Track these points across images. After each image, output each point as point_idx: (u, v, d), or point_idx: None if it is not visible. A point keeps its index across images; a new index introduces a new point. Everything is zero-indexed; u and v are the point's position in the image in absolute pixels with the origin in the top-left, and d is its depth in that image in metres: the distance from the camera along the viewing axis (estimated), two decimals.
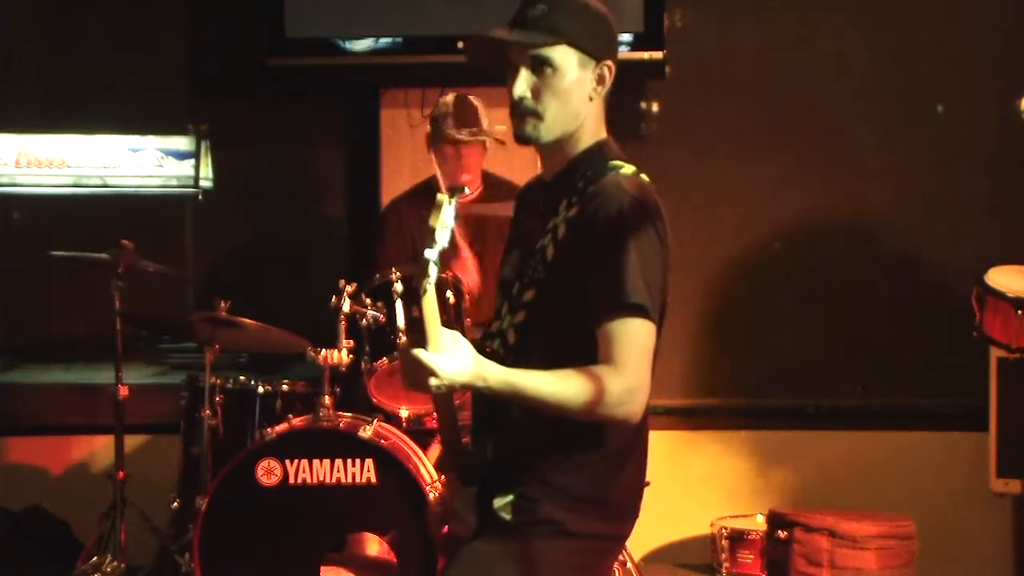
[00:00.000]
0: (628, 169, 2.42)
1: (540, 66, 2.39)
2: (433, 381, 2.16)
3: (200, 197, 5.18)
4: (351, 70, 5.00)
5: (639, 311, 2.26)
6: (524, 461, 2.37)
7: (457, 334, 2.19)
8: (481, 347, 2.32)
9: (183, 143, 5.22)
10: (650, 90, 5.11)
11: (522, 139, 2.45)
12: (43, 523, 4.85)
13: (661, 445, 4.95)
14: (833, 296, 5.13)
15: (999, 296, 4.04)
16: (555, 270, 2.35)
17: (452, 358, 2.16)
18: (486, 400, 2.34)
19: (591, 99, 2.44)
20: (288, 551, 3.81)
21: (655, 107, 5.16)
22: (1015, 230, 4.91)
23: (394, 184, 4.96)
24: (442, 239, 2.15)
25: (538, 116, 2.40)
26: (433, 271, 2.14)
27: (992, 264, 4.19)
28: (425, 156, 4.51)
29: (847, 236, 5.13)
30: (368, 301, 4.04)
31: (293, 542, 3.81)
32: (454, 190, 2.22)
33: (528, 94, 2.40)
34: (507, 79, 2.44)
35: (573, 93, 2.41)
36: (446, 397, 2.36)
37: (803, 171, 5.12)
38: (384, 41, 4.94)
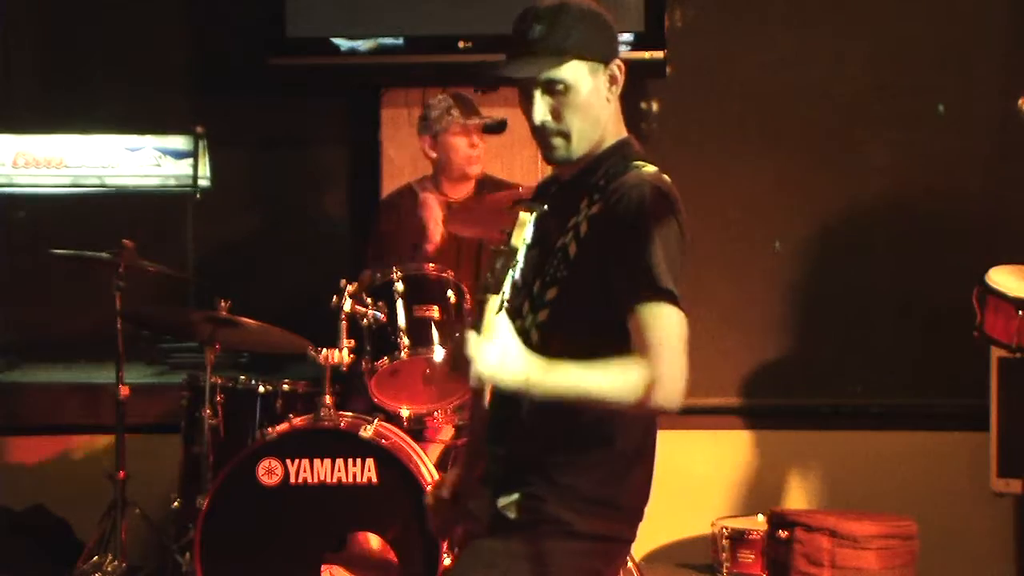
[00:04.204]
0: (650, 168, 2.41)
1: (552, 86, 2.36)
2: (476, 369, 2.12)
3: (199, 196, 5.18)
4: (352, 70, 4.99)
5: (668, 297, 2.26)
6: (532, 461, 2.36)
7: (513, 334, 2.17)
8: None
9: (181, 142, 5.22)
10: (650, 90, 5.11)
11: (554, 162, 2.44)
12: (44, 523, 4.85)
13: (661, 445, 4.92)
14: (833, 296, 5.14)
15: (1000, 296, 4.04)
16: (578, 268, 2.33)
17: (501, 351, 2.13)
18: (499, 399, 2.32)
19: (608, 101, 2.42)
20: (289, 551, 3.81)
21: (655, 107, 5.16)
22: (1015, 230, 4.91)
23: (395, 184, 4.96)
24: (516, 264, 2.15)
25: (564, 136, 2.39)
26: (507, 290, 2.13)
27: (992, 264, 4.20)
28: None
29: (847, 236, 5.13)
30: (369, 301, 4.04)
31: (294, 542, 3.82)
32: (533, 207, 2.21)
33: (549, 117, 2.38)
34: (521, 102, 2.42)
35: (592, 103, 2.39)
36: (483, 392, 2.36)
37: (803, 171, 5.12)
38: (385, 41, 4.93)
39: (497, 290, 2.13)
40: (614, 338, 2.27)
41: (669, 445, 4.91)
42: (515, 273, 2.15)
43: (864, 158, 5.12)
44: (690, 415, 5.02)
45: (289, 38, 4.94)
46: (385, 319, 4.01)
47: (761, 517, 4.65)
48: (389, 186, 5.04)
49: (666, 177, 2.41)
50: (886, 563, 4.29)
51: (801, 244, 5.13)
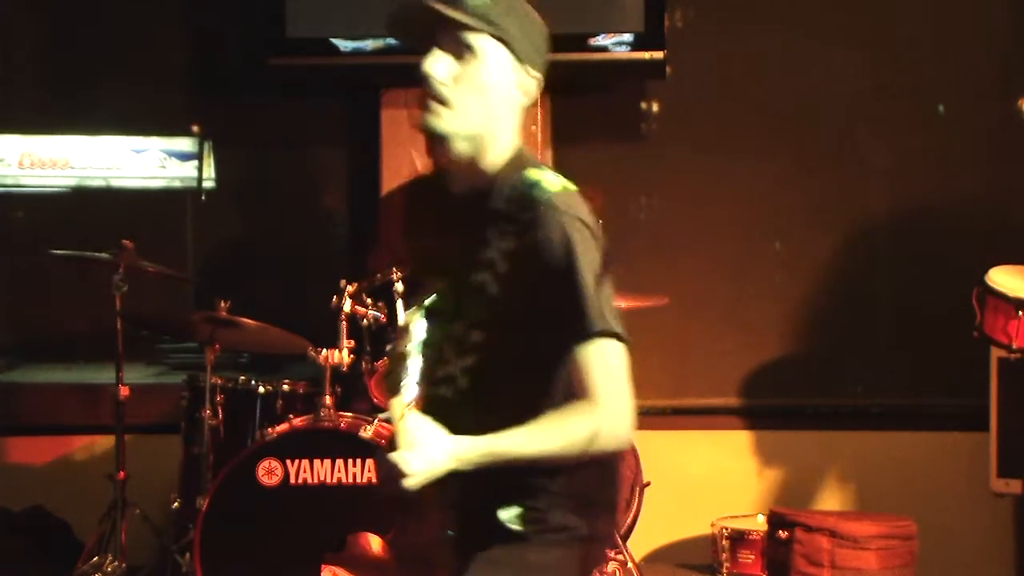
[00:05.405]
0: (551, 183, 2.22)
1: (463, 53, 2.21)
2: (408, 482, 2.06)
3: (203, 198, 5.19)
4: (351, 70, 4.99)
5: (606, 335, 2.15)
6: (517, 474, 2.23)
7: (428, 426, 2.10)
8: (431, 394, 2.21)
9: (186, 144, 5.23)
10: (650, 90, 5.11)
11: (424, 128, 2.22)
12: (43, 523, 4.86)
13: (661, 445, 4.98)
14: (833, 296, 5.14)
15: (1000, 296, 4.04)
16: (501, 309, 2.18)
17: (424, 454, 2.07)
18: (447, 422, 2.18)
19: (511, 105, 2.27)
20: (289, 551, 3.82)
21: (655, 107, 5.15)
22: (1015, 230, 4.91)
23: (394, 184, 4.96)
24: (413, 366, 2.06)
25: (446, 104, 2.20)
26: (410, 396, 2.07)
27: (992, 264, 4.20)
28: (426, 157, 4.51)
29: (847, 236, 5.13)
30: (369, 301, 4.05)
31: (294, 542, 3.82)
32: (421, 304, 2.10)
33: (440, 75, 2.20)
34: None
35: (492, 92, 2.23)
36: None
37: (803, 171, 5.12)
38: (384, 41, 4.93)
39: (397, 393, 2.07)
40: (545, 378, 2.19)
41: (669, 445, 4.97)
42: (410, 386, 2.08)
43: (864, 158, 5.13)
44: (690, 415, 5.10)
45: (289, 38, 4.94)
46: (385, 319, 4.02)
47: (761, 517, 4.65)
48: (389, 186, 5.04)
49: (572, 188, 2.25)
50: (886, 563, 4.29)
51: (801, 244, 5.13)
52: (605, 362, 2.13)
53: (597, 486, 2.33)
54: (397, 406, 2.07)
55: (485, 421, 2.14)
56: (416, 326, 2.08)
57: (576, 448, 2.13)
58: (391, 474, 2.07)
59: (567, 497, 2.28)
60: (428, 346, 2.10)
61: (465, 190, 2.29)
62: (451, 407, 2.18)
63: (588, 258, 2.16)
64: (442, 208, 2.37)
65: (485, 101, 2.23)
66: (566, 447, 2.12)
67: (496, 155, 2.26)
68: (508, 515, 2.26)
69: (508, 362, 2.21)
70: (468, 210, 2.28)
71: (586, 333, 2.13)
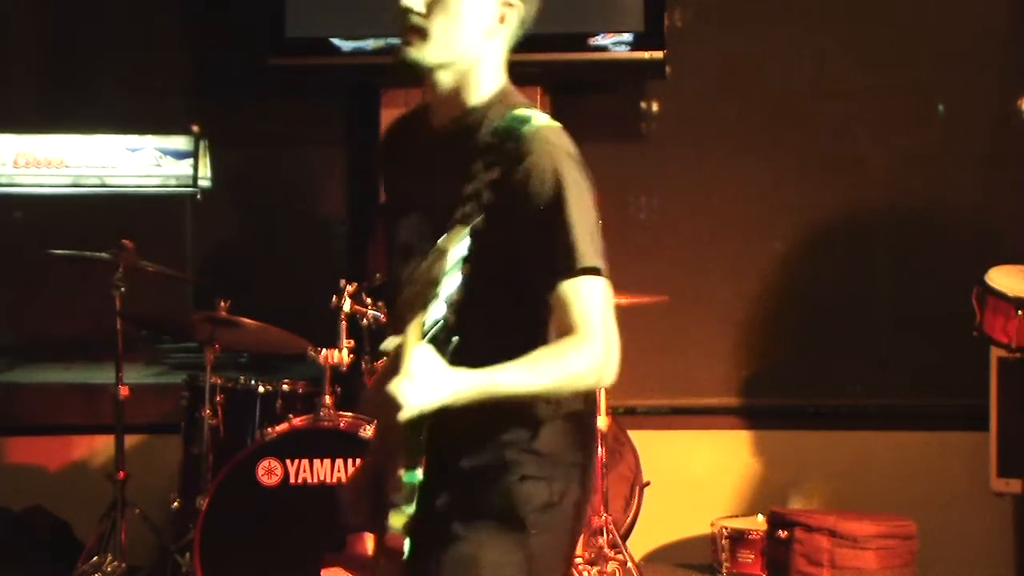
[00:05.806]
0: (539, 118, 2.18)
1: None
2: (402, 415, 1.98)
3: (199, 197, 5.19)
4: (351, 70, 4.99)
5: (593, 272, 2.12)
6: (495, 431, 2.20)
7: (433, 357, 2.02)
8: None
9: (181, 143, 5.22)
10: (650, 90, 5.11)
11: (402, 59, 2.18)
12: (43, 523, 4.85)
13: (661, 445, 4.98)
14: (833, 296, 5.14)
15: (999, 296, 4.05)
16: (487, 240, 2.10)
17: (422, 386, 2.00)
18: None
19: (490, 31, 2.20)
20: (288, 551, 3.82)
21: (655, 107, 5.16)
22: (1015, 230, 4.91)
23: None
24: (445, 291, 2.00)
25: (422, 34, 2.15)
26: (431, 322, 2.00)
27: (992, 264, 4.20)
28: None
29: (847, 236, 5.13)
30: (369, 301, 4.05)
31: (293, 542, 3.82)
32: (460, 228, 2.05)
33: (417, 7, 2.15)
34: None
35: (467, 17, 2.16)
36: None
37: (803, 171, 5.12)
38: (385, 41, 4.93)
39: (419, 315, 2.00)
40: (534, 310, 2.17)
41: (669, 445, 4.97)
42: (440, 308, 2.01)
43: (863, 158, 5.13)
44: (690, 415, 5.09)
45: (289, 38, 4.94)
46: (385, 319, 4.02)
47: (761, 517, 4.65)
48: None
49: (558, 126, 2.20)
50: (885, 563, 4.29)
51: (801, 244, 5.13)
52: (593, 299, 2.11)
53: (576, 443, 2.28)
54: (415, 329, 2.00)
55: (473, 356, 2.09)
56: (456, 248, 2.01)
57: (567, 383, 2.10)
58: (386, 403, 1.99)
59: (549, 458, 2.22)
60: (413, 283, 2.02)
61: (449, 125, 2.25)
62: (438, 343, 2.09)
63: (576, 193, 2.13)
64: (424, 145, 2.30)
65: (458, 25, 2.17)
66: (558, 383, 2.09)
67: (480, 89, 2.22)
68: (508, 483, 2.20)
69: (492, 295, 2.17)
70: (452, 145, 2.22)
71: (573, 269, 2.10)
